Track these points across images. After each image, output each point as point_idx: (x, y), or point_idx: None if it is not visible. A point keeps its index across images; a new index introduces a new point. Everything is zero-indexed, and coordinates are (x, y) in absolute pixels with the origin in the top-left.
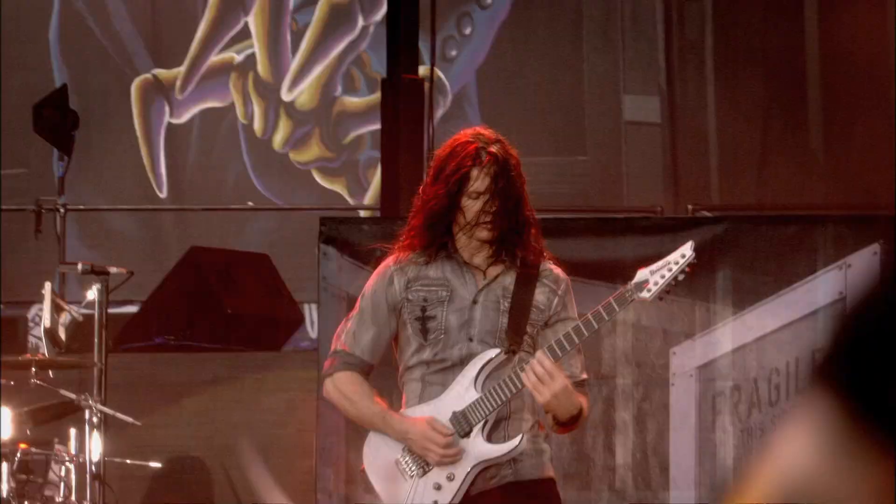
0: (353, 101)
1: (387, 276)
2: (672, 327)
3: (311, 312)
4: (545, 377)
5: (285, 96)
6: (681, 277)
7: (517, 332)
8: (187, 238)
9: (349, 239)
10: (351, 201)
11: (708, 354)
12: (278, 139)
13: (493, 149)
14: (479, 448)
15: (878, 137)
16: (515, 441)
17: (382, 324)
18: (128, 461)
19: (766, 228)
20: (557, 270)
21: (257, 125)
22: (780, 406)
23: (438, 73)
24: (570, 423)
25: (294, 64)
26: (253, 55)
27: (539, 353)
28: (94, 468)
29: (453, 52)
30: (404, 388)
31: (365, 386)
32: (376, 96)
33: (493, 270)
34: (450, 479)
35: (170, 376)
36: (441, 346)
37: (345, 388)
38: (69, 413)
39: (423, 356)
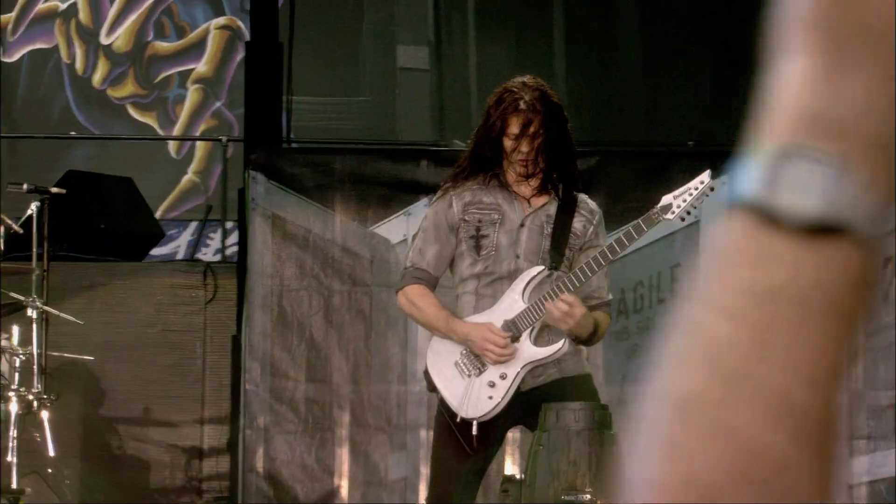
0: (164, 45)
1: (446, 200)
2: None
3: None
4: (568, 312)
5: (104, 40)
6: (700, 202)
7: (558, 252)
8: (18, 163)
9: (275, 166)
10: (161, 132)
11: None
12: (97, 77)
13: (529, 98)
14: (527, 351)
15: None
16: (559, 344)
17: (444, 241)
18: (66, 355)
19: (633, 161)
20: (592, 203)
21: (79, 65)
22: (644, 313)
23: (238, 22)
24: (588, 338)
25: (112, 12)
26: (75, 4)
27: (563, 296)
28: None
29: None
30: (459, 300)
31: (431, 296)
32: (184, 41)
33: (538, 200)
34: (503, 377)
35: (51, 282)
36: (492, 261)
37: (414, 299)
38: (11, 312)
39: (476, 269)
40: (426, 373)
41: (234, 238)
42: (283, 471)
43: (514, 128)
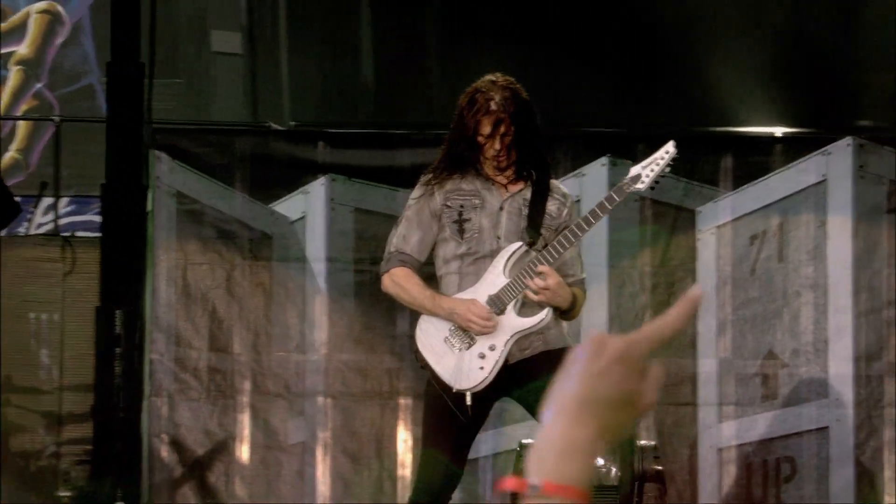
0: None
1: (428, 189)
2: None
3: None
4: (544, 286)
5: None
6: (667, 170)
7: (534, 231)
8: None
9: (179, 146)
10: None
11: None
12: None
13: (499, 98)
14: (513, 322)
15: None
16: (543, 313)
17: (426, 227)
18: None
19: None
20: (564, 189)
21: None
22: None
23: (59, 7)
24: (567, 309)
25: None
26: None
27: (539, 268)
28: None
29: None
30: (443, 280)
31: (416, 277)
32: (6, 24)
33: (514, 187)
34: (492, 349)
35: None
36: (475, 242)
37: (400, 280)
38: None
39: (460, 251)
40: (416, 352)
41: (61, 211)
42: (187, 436)
43: (486, 128)
